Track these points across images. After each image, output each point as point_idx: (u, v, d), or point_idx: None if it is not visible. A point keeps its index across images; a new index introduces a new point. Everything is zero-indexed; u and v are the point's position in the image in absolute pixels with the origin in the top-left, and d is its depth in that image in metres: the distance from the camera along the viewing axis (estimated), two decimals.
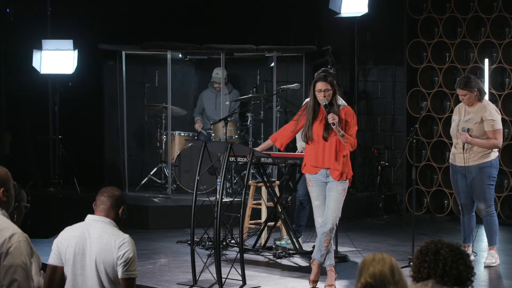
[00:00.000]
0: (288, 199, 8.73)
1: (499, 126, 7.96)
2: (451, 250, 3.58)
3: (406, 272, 3.63)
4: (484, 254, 8.44)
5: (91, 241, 4.80)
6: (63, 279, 4.87)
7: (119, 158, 11.51)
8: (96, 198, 4.91)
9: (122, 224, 4.91)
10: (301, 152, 8.21)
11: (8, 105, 11.63)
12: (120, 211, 4.89)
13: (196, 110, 11.97)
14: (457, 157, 8.06)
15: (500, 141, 7.96)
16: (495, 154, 8.06)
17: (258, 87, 11.93)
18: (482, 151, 7.95)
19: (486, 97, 8.36)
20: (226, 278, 7.07)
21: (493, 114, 7.94)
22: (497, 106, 10.02)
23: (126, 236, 4.80)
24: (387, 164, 11.81)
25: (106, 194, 4.89)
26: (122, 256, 4.73)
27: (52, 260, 4.86)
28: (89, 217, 4.90)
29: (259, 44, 11.33)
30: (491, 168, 8.01)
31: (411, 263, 3.73)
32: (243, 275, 7.13)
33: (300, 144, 8.44)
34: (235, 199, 8.32)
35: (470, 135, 7.93)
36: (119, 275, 4.75)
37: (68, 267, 4.83)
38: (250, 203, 9.05)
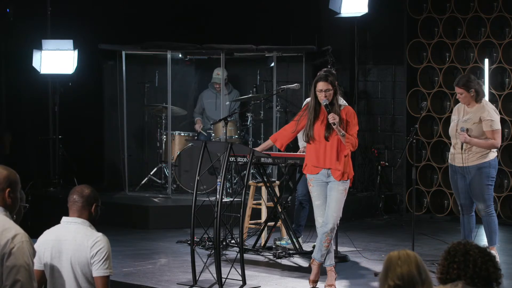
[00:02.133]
0: (288, 199, 8.73)
1: (498, 126, 7.91)
2: (480, 251, 3.55)
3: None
4: None
5: (66, 243, 4.78)
6: (45, 282, 4.88)
7: (119, 158, 11.52)
8: (68, 199, 4.88)
9: (98, 222, 4.89)
10: (304, 151, 8.20)
11: (8, 105, 11.62)
12: (93, 209, 4.85)
13: (196, 110, 11.98)
14: (456, 157, 8.05)
15: (498, 141, 7.92)
16: (493, 154, 8.01)
17: (258, 87, 11.93)
18: (481, 151, 7.93)
19: (486, 97, 8.34)
20: (226, 278, 7.07)
21: (492, 114, 7.90)
22: (497, 106, 10.05)
23: (99, 234, 4.78)
24: (387, 164, 11.81)
25: (77, 194, 4.85)
26: (95, 255, 4.72)
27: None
28: (63, 219, 4.87)
29: (259, 44, 11.33)
30: (490, 168, 7.97)
31: (437, 265, 3.70)
32: (243, 275, 7.13)
33: (302, 144, 8.44)
34: (235, 199, 8.32)
35: (469, 135, 7.92)
36: (93, 273, 4.74)
37: (47, 271, 4.83)
38: (250, 203, 9.04)
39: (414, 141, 8.02)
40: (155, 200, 10.97)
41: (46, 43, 11.18)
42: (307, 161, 7.21)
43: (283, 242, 8.77)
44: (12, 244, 4.17)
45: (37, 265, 4.81)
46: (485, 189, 7.97)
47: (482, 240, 8.95)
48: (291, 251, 8.47)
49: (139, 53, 11.58)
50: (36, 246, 4.81)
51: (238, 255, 7.27)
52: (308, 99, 7.40)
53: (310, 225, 8.30)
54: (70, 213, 4.86)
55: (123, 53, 11.23)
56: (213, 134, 11.16)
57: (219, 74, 11.48)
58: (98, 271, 4.72)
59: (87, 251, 4.73)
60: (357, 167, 11.72)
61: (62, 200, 11.60)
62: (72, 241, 4.77)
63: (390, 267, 3.42)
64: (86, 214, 4.84)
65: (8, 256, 4.15)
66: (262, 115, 11.59)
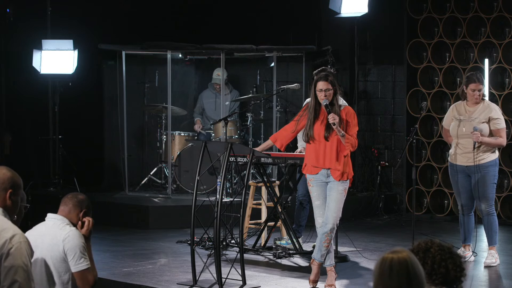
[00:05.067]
0: (288, 199, 8.72)
1: (504, 124, 8.05)
2: (441, 249, 3.57)
3: None
4: (484, 254, 8.44)
5: (41, 237, 4.91)
6: None
7: (119, 158, 11.52)
8: (61, 201, 5.04)
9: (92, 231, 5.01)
10: (301, 152, 8.21)
11: (8, 105, 11.61)
12: (81, 214, 4.97)
13: (196, 110, 11.98)
14: (461, 156, 8.05)
15: (505, 139, 8.06)
16: (497, 153, 8.10)
17: (258, 87, 11.93)
18: (488, 150, 7.96)
19: (486, 97, 8.39)
20: (226, 278, 7.07)
21: (499, 113, 8.04)
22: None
23: (72, 229, 4.92)
24: (387, 164, 11.81)
25: (69, 196, 5.04)
26: (69, 249, 4.85)
27: None
28: (48, 215, 5.04)
29: (259, 44, 11.33)
30: (496, 166, 8.07)
31: None
32: (243, 275, 7.13)
33: (300, 144, 8.44)
34: (235, 199, 8.32)
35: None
36: (71, 269, 4.86)
37: None
38: (250, 203, 9.04)
39: (414, 141, 8.01)
40: (155, 200, 10.97)
41: (46, 43, 11.17)
42: (306, 161, 7.20)
43: (283, 242, 8.76)
44: (10, 245, 4.17)
45: None
46: (491, 188, 8.04)
47: (482, 240, 8.95)
48: (291, 251, 8.47)
49: (139, 53, 11.58)
50: None
51: (238, 255, 7.27)
52: (309, 99, 7.39)
53: (310, 225, 8.30)
54: (58, 212, 4.99)
55: (123, 53, 11.23)
56: (213, 134, 11.16)
57: (219, 74, 11.48)
58: (75, 267, 4.83)
59: (60, 245, 4.85)
60: (357, 167, 11.72)
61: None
62: (46, 235, 4.90)
63: (381, 276, 3.36)
64: (73, 215, 4.97)
65: (6, 257, 4.15)
66: (262, 115, 11.59)
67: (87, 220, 5.03)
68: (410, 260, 3.33)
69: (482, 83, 8.06)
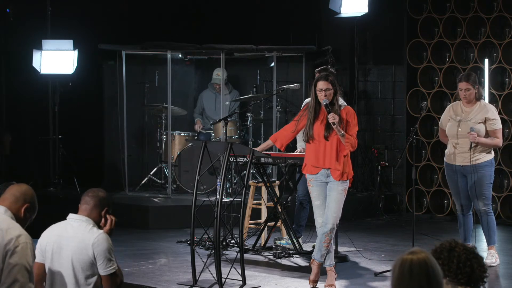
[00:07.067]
0: (288, 199, 8.72)
1: (500, 125, 8.06)
2: (465, 248, 3.60)
3: None
4: (483, 254, 8.44)
5: (68, 239, 4.85)
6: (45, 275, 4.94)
7: (119, 158, 11.52)
8: (81, 198, 4.94)
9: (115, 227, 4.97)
10: (301, 152, 8.21)
11: (8, 105, 11.63)
12: (103, 212, 4.91)
13: (196, 110, 11.98)
14: (459, 156, 8.06)
15: (501, 140, 8.08)
16: (493, 153, 8.12)
17: (258, 87, 11.93)
18: (484, 150, 7.97)
19: (486, 97, 8.38)
20: (226, 278, 7.07)
21: (495, 114, 8.03)
22: (497, 106, 10.06)
23: (100, 232, 4.85)
24: (387, 164, 11.81)
25: (90, 194, 4.93)
26: (98, 254, 4.79)
27: (36, 257, 4.89)
28: (69, 216, 4.95)
29: (259, 44, 11.34)
30: (491, 166, 8.06)
31: None
32: (243, 275, 7.13)
33: (300, 144, 8.44)
34: (235, 199, 8.32)
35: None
36: (100, 272, 4.80)
37: (47, 264, 4.91)
38: (250, 203, 9.04)
39: (414, 141, 8.02)
40: (155, 200, 10.97)
41: (46, 43, 11.18)
42: (306, 161, 7.20)
43: (283, 242, 8.77)
44: (17, 242, 4.22)
45: (40, 258, 4.87)
46: (487, 188, 8.04)
47: (482, 240, 8.95)
48: (291, 251, 8.47)
49: (139, 53, 11.59)
50: (40, 239, 4.93)
51: (238, 255, 7.27)
52: (308, 100, 7.40)
53: (310, 225, 8.30)
54: (79, 212, 4.91)
55: (123, 53, 11.23)
56: (213, 134, 11.17)
57: (219, 74, 11.48)
58: (105, 270, 4.78)
59: (89, 249, 4.78)
60: (357, 167, 11.71)
61: (62, 200, 11.66)
62: (73, 238, 4.82)
63: (402, 278, 3.35)
64: (95, 215, 4.89)
65: (12, 254, 4.19)
66: (262, 115, 11.59)
67: (110, 218, 4.97)
68: (429, 261, 3.35)
69: (472, 83, 7.99)
